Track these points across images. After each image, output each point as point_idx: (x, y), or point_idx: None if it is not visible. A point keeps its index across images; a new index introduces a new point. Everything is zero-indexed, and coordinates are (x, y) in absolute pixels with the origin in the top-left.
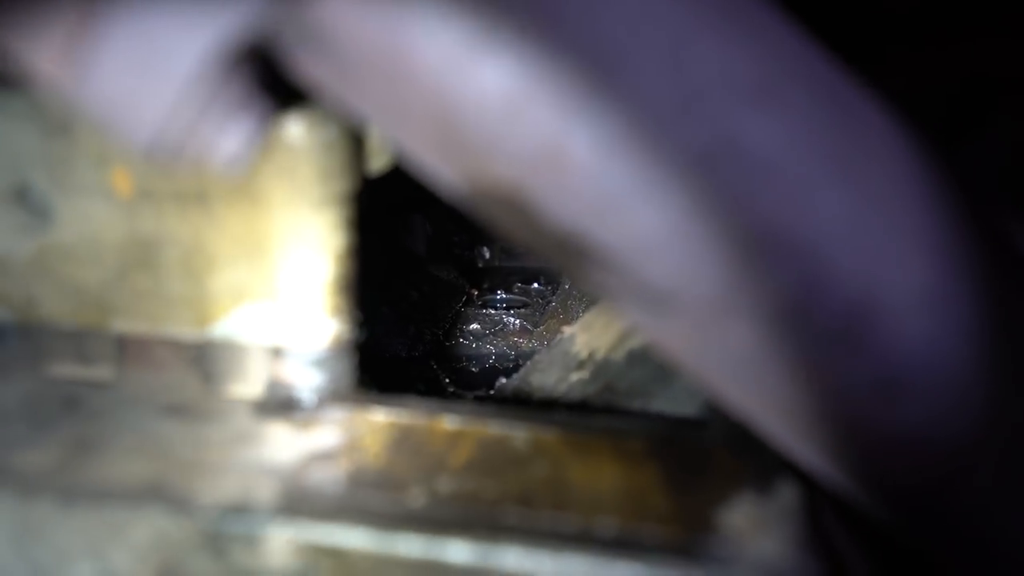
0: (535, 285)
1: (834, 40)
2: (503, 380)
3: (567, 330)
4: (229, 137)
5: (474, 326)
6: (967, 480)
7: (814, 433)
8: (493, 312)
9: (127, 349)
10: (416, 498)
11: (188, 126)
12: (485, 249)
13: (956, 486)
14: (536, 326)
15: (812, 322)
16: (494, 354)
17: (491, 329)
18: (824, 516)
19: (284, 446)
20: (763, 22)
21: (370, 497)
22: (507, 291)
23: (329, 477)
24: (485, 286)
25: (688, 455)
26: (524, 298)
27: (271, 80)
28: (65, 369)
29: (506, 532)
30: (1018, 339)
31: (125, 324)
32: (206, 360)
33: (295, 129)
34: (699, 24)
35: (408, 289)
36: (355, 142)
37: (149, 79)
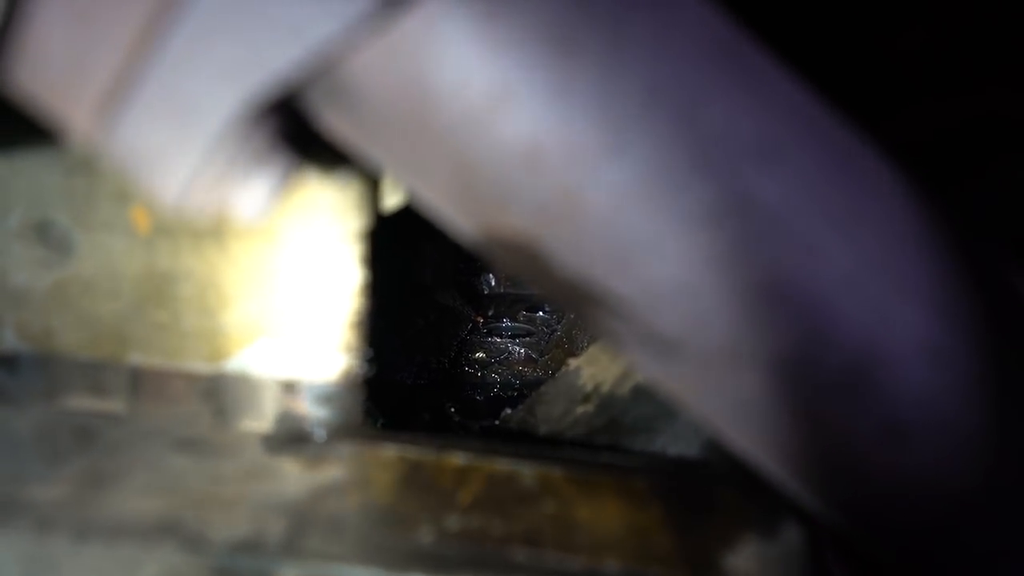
0: (540, 314)
1: (841, 87)
2: (508, 410)
3: (573, 362)
4: (253, 189)
5: (480, 354)
6: (970, 524)
7: (818, 477)
8: (499, 340)
9: (141, 382)
10: (425, 535)
11: (214, 180)
12: (491, 276)
13: (959, 529)
14: (541, 355)
15: (817, 371)
16: (499, 383)
17: (496, 358)
18: (827, 558)
19: (295, 481)
20: (772, 79)
21: (379, 534)
22: (513, 319)
23: (339, 513)
24: (491, 314)
25: (693, 495)
26: (529, 327)
27: (293, 130)
28: (80, 401)
29: (513, 571)
30: (1021, 386)
31: (140, 357)
32: (219, 393)
33: (312, 169)
34: (714, 82)
35: (414, 317)
36: (370, 181)
37: (179, 135)
